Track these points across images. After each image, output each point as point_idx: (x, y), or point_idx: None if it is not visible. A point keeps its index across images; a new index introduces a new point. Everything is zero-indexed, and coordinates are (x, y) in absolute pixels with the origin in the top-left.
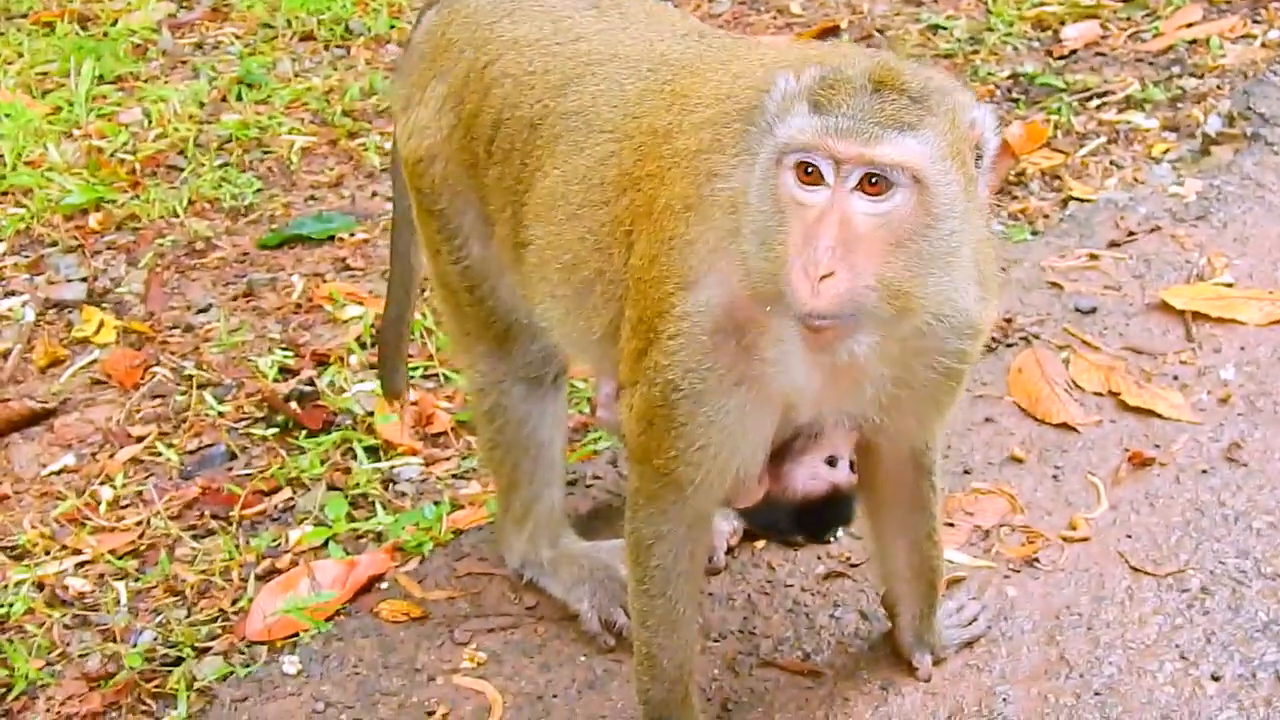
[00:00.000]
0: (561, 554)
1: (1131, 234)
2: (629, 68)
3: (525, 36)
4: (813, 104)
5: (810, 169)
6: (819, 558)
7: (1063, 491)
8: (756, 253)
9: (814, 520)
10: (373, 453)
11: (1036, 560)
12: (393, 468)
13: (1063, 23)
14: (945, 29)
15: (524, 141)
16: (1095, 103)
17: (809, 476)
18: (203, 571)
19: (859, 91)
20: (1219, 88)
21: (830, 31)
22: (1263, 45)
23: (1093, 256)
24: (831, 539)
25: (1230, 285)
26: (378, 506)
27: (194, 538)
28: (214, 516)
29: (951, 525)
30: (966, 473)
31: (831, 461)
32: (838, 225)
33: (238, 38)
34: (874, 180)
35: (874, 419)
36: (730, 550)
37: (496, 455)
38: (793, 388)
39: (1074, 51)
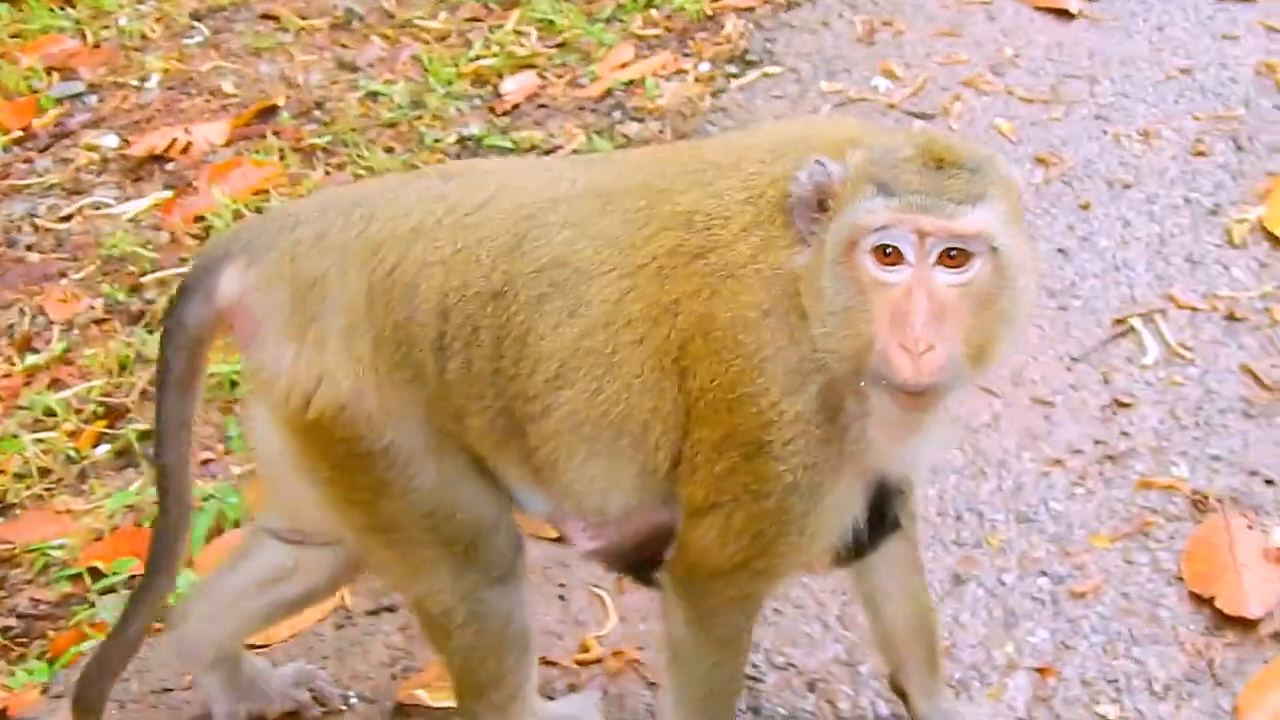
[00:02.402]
0: None
1: None
2: (582, 207)
3: (422, 224)
4: (882, 185)
5: (890, 250)
6: None
7: (571, 611)
8: (840, 335)
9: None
10: None
11: (552, 694)
12: None
13: (501, 76)
14: (385, 95)
15: (491, 315)
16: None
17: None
18: None
19: (924, 169)
20: (660, 131)
21: (268, 111)
22: (695, 80)
23: None
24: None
25: None
26: None
27: None
28: None
29: None
30: None
31: None
32: (927, 299)
33: None
34: (953, 253)
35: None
36: None
37: (475, 658)
38: (883, 454)
39: (516, 106)
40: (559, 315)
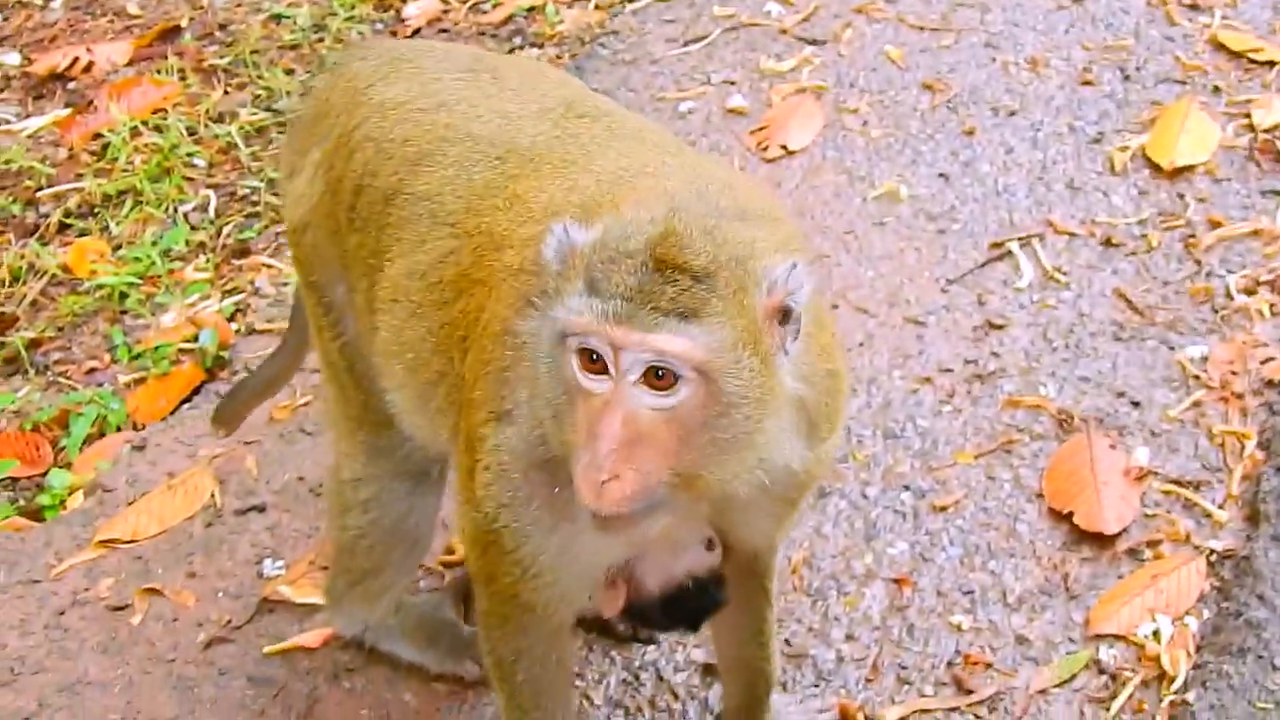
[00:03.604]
0: (405, 618)
1: None
2: (479, 152)
3: (392, 99)
4: (590, 282)
5: (595, 356)
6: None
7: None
8: (551, 424)
9: (681, 612)
10: None
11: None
12: None
13: (404, 0)
14: (288, 18)
15: (379, 214)
16: None
17: (659, 571)
18: None
19: (639, 270)
20: (559, 56)
21: (172, 32)
22: (596, 7)
23: None
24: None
25: None
26: None
27: None
28: None
29: None
30: None
31: (710, 545)
32: (621, 422)
33: None
34: (659, 373)
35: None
36: None
37: (364, 543)
38: (624, 544)
39: (418, 30)
40: (407, 245)
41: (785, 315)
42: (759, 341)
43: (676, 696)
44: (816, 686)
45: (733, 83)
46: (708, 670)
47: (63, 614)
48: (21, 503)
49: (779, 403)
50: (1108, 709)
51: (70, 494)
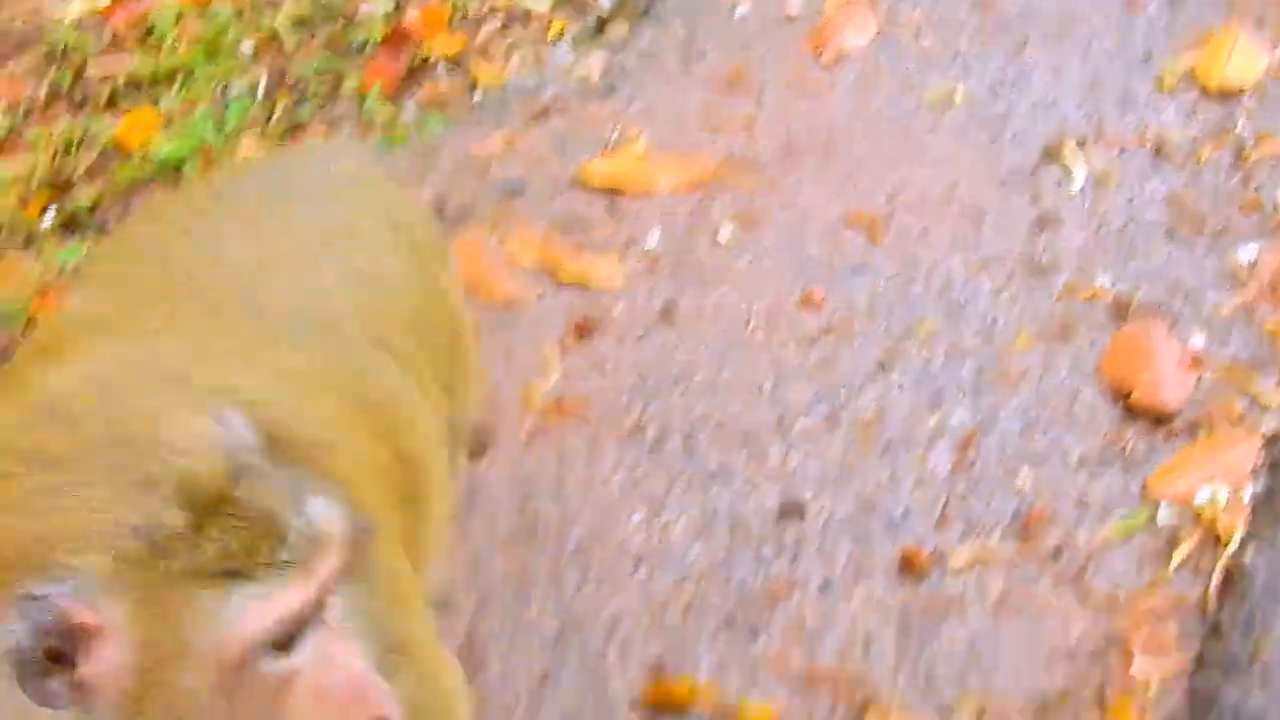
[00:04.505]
0: None
1: (545, 111)
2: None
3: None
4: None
5: None
6: None
7: (516, 364)
8: None
9: None
10: None
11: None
12: None
13: None
14: None
15: None
16: None
17: None
18: None
19: None
20: None
21: None
22: None
23: (511, 139)
24: None
25: (643, 156)
26: None
27: None
28: None
29: None
30: None
31: None
32: None
33: None
34: None
35: None
36: None
37: None
38: None
39: None
40: None
41: None
42: None
43: (751, 534)
44: (886, 533)
45: None
46: (783, 513)
47: None
48: None
49: None
50: (1166, 565)
51: None
